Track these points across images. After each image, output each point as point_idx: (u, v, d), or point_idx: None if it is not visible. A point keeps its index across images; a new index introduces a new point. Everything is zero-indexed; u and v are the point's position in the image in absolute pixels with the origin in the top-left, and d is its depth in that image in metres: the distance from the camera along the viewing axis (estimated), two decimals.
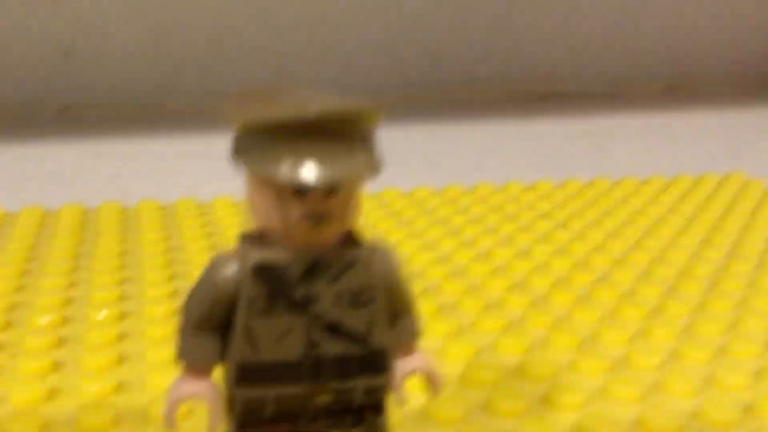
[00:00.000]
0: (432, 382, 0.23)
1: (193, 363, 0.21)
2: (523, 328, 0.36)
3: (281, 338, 0.21)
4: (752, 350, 0.33)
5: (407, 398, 0.23)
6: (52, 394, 0.29)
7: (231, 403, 0.21)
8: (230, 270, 0.21)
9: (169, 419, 0.21)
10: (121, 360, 0.32)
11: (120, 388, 0.30)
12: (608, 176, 0.61)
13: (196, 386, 0.21)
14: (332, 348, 0.21)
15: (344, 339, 0.21)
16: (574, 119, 0.89)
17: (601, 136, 0.81)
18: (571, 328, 0.36)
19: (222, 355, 0.21)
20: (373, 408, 0.22)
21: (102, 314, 0.36)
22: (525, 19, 0.97)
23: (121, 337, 0.34)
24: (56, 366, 0.31)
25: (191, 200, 0.53)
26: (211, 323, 0.21)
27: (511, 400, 0.29)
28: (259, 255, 0.20)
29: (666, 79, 1.06)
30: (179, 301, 0.36)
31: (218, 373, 0.22)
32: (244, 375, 0.21)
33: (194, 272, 0.40)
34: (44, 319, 0.35)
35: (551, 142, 0.78)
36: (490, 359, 0.33)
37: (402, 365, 0.23)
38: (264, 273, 0.20)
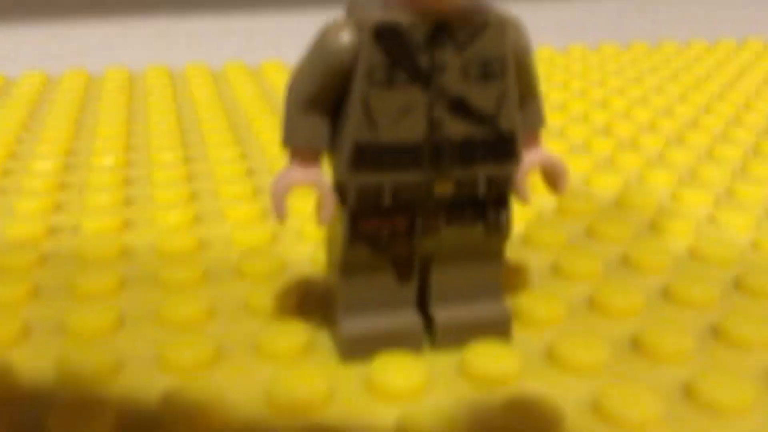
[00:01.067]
0: (559, 177, 0.21)
1: (303, 146, 0.19)
2: (616, 167, 0.34)
3: (401, 115, 0.18)
4: None
5: (529, 195, 0.21)
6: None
7: (343, 192, 0.19)
8: (346, 36, 0.18)
9: (279, 209, 0.19)
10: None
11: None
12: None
13: (305, 173, 0.19)
14: (457, 128, 0.19)
15: (470, 118, 0.19)
16: None
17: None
18: (668, 165, 0.33)
19: (332, 141, 0.19)
20: (496, 202, 0.20)
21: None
22: None
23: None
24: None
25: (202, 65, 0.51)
26: (322, 101, 0.19)
27: (616, 226, 0.27)
28: (380, 16, 0.18)
29: None
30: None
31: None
32: (361, 157, 0.19)
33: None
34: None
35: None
36: (588, 194, 0.31)
37: (526, 157, 0.20)
38: (386, 37, 0.18)
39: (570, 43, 0.57)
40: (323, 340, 0.21)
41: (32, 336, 0.21)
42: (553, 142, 0.36)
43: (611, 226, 0.27)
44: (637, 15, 0.72)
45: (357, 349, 0.20)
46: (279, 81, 0.47)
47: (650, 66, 0.51)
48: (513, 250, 0.26)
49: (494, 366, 0.19)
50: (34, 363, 0.20)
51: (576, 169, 0.33)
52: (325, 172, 0.19)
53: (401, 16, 0.18)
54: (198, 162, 0.34)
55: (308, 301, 0.23)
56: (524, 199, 0.21)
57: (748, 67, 0.51)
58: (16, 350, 0.21)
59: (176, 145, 0.36)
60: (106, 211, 0.29)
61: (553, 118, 0.39)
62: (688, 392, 0.19)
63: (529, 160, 0.20)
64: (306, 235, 0.27)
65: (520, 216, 0.27)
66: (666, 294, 0.23)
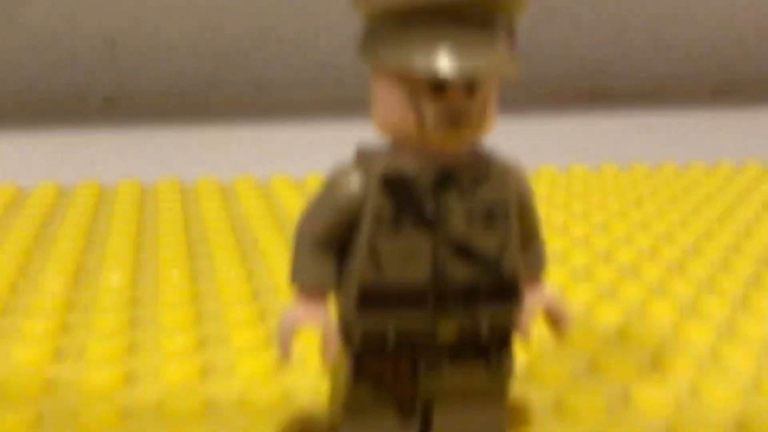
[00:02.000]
0: (560, 319, 0.21)
1: (310, 285, 0.19)
2: (617, 297, 0.34)
3: (407, 258, 0.19)
4: None
5: (532, 336, 0.21)
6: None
7: (348, 332, 0.20)
8: (354, 181, 0.19)
9: (285, 348, 0.19)
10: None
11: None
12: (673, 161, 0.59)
13: (311, 312, 0.19)
14: (461, 272, 0.19)
15: (474, 262, 0.19)
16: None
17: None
18: (670, 295, 0.34)
19: (338, 280, 0.20)
20: (499, 344, 0.20)
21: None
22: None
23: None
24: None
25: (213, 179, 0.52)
26: (330, 242, 0.19)
27: (617, 360, 0.27)
28: (387, 163, 0.19)
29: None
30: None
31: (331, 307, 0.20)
32: (366, 298, 0.19)
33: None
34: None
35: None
36: (589, 324, 0.31)
37: (528, 298, 0.21)
38: (393, 183, 0.18)
39: (571, 162, 0.58)
40: None
41: None
42: (555, 268, 0.36)
43: (614, 361, 0.27)
44: (638, 135, 0.74)
45: None
46: (287, 196, 0.48)
47: (650, 188, 0.52)
48: (515, 386, 0.26)
49: None
50: None
51: (577, 298, 0.33)
52: (330, 311, 0.20)
53: (408, 162, 0.19)
54: (204, 281, 0.35)
55: None
56: (526, 339, 0.21)
57: (747, 190, 0.52)
58: None
59: (185, 264, 0.36)
60: (112, 334, 0.29)
61: (554, 242, 0.40)
62: None
63: (532, 300, 0.21)
64: (309, 363, 0.27)
65: (522, 347, 0.27)
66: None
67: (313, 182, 0.52)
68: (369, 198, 0.19)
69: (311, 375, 0.26)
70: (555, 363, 0.27)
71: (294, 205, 0.46)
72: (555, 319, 0.21)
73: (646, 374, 0.27)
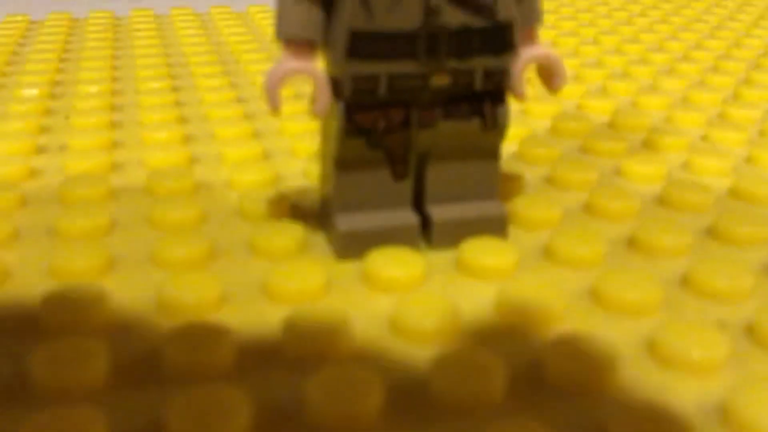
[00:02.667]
0: (556, 72, 0.21)
1: (297, 36, 0.19)
2: (608, 94, 0.33)
3: (396, 2, 0.18)
4: None
5: (525, 91, 0.20)
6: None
7: (339, 84, 0.19)
8: None
9: (273, 99, 0.19)
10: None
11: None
12: None
13: (299, 63, 0.19)
14: (453, 17, 0.18)
15: (468, 7, 0.18)
16: None
17: None
18: (661, 92, 0.33)
19: (326, 32, 0.19)
20: (493, 97, 0.20)
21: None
22: None
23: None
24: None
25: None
26: None
27: (610, 142, 0.27)
28: None
29: None
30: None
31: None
32: (356, 46, 0.18)
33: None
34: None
35: None
36: (579, 114, 0.31)
37: (523, 53, 0.20)
38: None
39: None
40: (318, 240, 0.21)
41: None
42: None
43: (605, 144, 0.27)
44: None
45: (353, 247, 0.20)
46: (265, 23, 0.47)
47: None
48: (507, 165, 0.25)
49: (491, 259, 0.19)
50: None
51: (567, 97, 0.33)
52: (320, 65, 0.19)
53: None
54: (186, 91, 0.34)
55: (301, 208, 0.22)
56: (520, 95, 0.20)
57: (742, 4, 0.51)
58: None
59: (163, 75, 0.35)
60: (93, 134, 0.28)
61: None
62: (685, 282, 0.19)
63: (526, 55, 0.20)
64: (298, 152, 0.26)
65: (512, 134, 0.26)
66: (662, 201, 0.23)
67: None
68: None
69: (300, 161, 0.26)
70: (547, 146, 0.27)
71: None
72: (549, 74, 0.21)
73: (638, 154, 0.27)
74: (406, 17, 0.18)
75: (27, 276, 0.19)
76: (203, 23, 0.47)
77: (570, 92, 0.33)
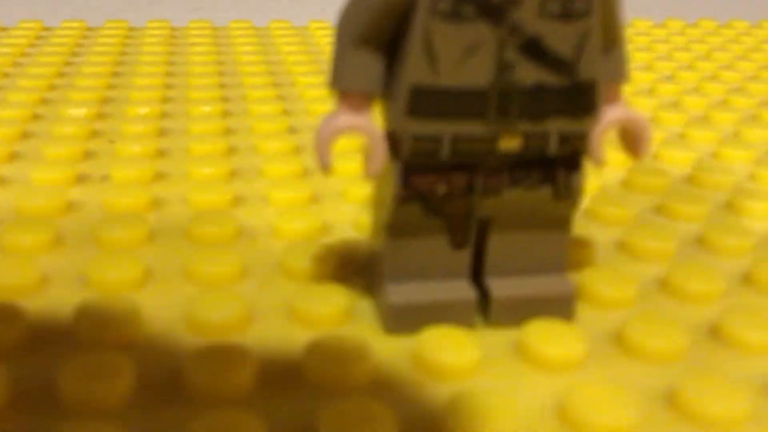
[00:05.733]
0: (641, 139, 0.18)
1: (353, 89, 0.17)
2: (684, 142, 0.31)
3: (467, 55, 0.16)
4: None
5: (606, 159, 0.18)
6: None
7: (396, 142, 0.17)
8: None
9: (324, 156, 0.17)
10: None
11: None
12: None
13: (354, 118, 0.17)
14: (529, 74, 0.16)
15: (546, 63, 0.16)
16: None
17: None
18: (744, 144, 0.31)
19: (386, 84, 0.17)
20: (567, 163, 0.18)
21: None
22: None
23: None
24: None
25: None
26: (377, 38, 0.16)
27: (689, 204, 0.25)
28: None
29: None
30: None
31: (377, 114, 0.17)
32: (418, 102, 0.16)
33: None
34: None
35: None
36: (657, 167, 0.28)
37: (605, 114, 0.18)
38: None
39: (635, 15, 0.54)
40: (365, 308, 0.19)
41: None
42: None
43: (684, 204, 0.25)
44: None
45: (403, 320, 0.18)
46: (325, 42, 0.45)
47: (719, 44, 0.48)
48: (576, 225, 0.23)
49: (556, 347, 0.17)
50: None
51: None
52: (376, 120, 0.17)
53: None
54: (237, 117, 0.32)
55: (349, 267, 0.21)
56: (599, 161, 0.18)
57: None
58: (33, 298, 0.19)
59: (215, 99, 0.34)
60: (137, 164, 0.27)
61: None
62: None
63: (609, 117, 0.18)
64: (349, 197, 0.25)
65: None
66: (748, 279, 0.21)
67: None
68: None
69: (351, 207, 0.24)
70: (620, 205, 0.24)
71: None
72: (634, 139, 0.19)
73: (721, 219, 0.24)
74: (475, 73, 0.16)
75: None
76: (261, 38, 0.46)
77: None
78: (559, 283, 0.19)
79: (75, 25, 0.47)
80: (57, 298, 0.19)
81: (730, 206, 0.25)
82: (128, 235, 0.22)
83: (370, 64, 0.17)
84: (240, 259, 0.20)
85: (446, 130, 0.17)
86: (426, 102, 0.16)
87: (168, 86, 0.36)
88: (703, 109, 0.35)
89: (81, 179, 0.26)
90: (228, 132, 0.30)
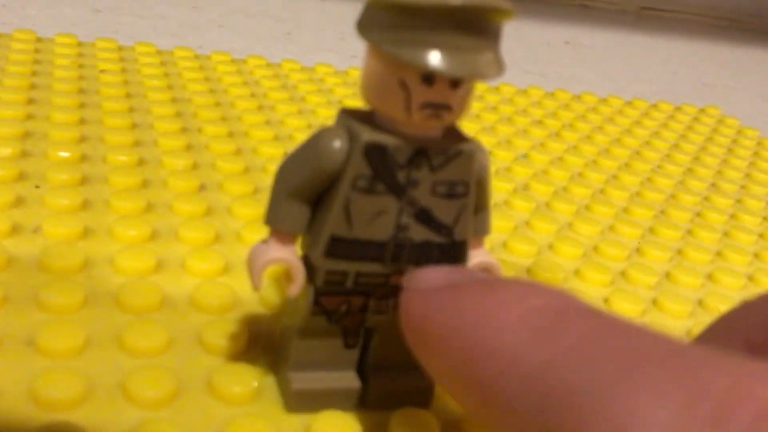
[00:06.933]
0: (493, 273, 0.24)
1: (284, 230, 0.22)
2: (528, 232, 0.38)
3: (375, 218, 0.21)
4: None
5: None
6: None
7: (312, 271, 0.22)
8: (339, 145, 0.21)
9: (257, 281, 0.22)
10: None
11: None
12: (594, 93, 0.62)
13: (282, 251, 0.22)
14: (418, 233, 0.22)
15: (432, 227, 0.22)
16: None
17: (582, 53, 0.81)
18: (573, 238, 0.38)
19: (309, 227, 0.22)
20: None
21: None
22: None
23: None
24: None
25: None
26: (306, 193, 0.22)
27: None
28: (371, 135, 0.21)
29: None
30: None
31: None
32: (334, 248, 0.21)
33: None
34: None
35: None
36: (502, 257, 0.35)
37: (471, 258, 0.24)
38: (373, 154, 0.21)
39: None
40: (271, 385, 0.24)
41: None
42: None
43: None
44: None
45: (302, 402, 0.23)
46: (225, 72, 0.49)
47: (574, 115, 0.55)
48: None
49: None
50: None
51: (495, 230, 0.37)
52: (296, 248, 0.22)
53: (389, 137, 0.21)
54: (151, 167, 0.36)
55: (258, 343, 0.25)
56: None
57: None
58: None
59: (130, 144, 0.37)
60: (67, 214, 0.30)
61: None
62: None
63: (473, 261, 0.24)
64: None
65: None
66: None
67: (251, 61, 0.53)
68: (350, 164, 0.21)
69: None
70: None
71: (232, 82, 0.47)
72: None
73: None
74: (380, 231, 0.22)
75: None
76: (165, 66, 0.49)
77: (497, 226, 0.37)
78: (422, 380, 0.24)
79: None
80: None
81: None
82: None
83: (299, 212, 0.22)
84: (167, 335, 0.25)
85: (352, 268, 0.22)
86: (339, 248, 0.22)
87: (83, 122, 0.39)
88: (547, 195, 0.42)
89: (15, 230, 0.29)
90: (145, 185, 0.34)
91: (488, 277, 0.20)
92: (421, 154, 0.21)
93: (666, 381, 0.12)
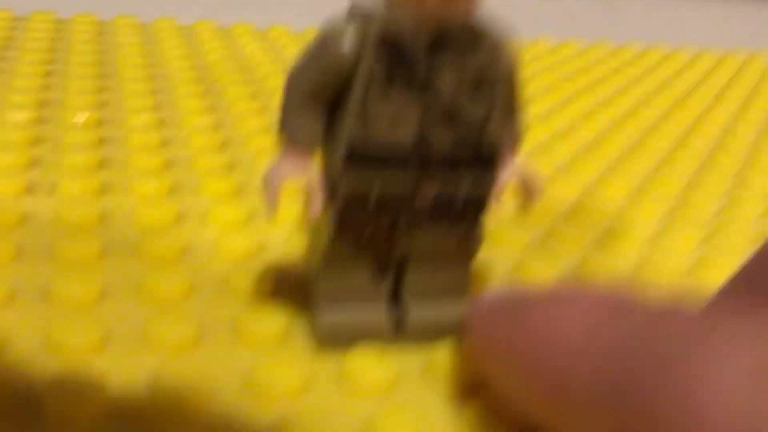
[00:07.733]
0: (531, 191, 0.22)
1: (297, 140, 0.20)
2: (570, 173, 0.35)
3: (395, 119, 0.19)
4: None
5: (504, 201, 0.22)
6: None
7: (333, 189, 0.20)
8: (348, 41, 0.19)
9: (272, 203, 0.20)
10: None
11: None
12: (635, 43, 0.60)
13: (298, 166, 0.20)
14: (445, 137, 0.20)
15: (459, 127, 0.20)
16: None
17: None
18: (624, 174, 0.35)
19: (325, 138, 0.20)
20: (473, 211, 0.21)
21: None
22: None
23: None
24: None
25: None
26: (319, 98, 0.20)
27: (576, 229, 0.29)
28: (383, 25, 0.19)
29: None
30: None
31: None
32: (353, 156, 0.19)
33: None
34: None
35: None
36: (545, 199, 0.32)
37: (504, 169, 0.21)
38: (388, 44, 0.19)
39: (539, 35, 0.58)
40: (301, 325, 0.22)
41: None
42: None
43: (570, 232, 0.29)
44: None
45: (333, 339, 0.21)
46: (250, 44, 0.48)
47: (613, 68, 0.53)
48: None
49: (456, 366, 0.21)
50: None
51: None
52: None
53: (404, 23, 0.19)
54: (173, 128, 0.34)
55: (285, 286, 0.24)
56: (498, 204, 0.22)
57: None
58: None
59: (149, 107, 0.36)
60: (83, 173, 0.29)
61: None
62: None
63: (508, 171, 0.22)
64: (281, 217, 0.28)
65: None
66: None
67: (276, 32, 0.51)
68: (363, 59, 0.19)
69: (283, 227, 0.27)
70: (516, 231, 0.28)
71: (259, 54, 0.46)
72: (526, 191, 0.22)
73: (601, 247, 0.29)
74: (402, 134, 0.19)
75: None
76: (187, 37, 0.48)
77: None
78: (463, 309, 0.22)
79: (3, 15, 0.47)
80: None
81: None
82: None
83: (313, 120, 0.20)
84: (189, 281, 0.23)
85: (376, 178, 0.20)
86: (359, 155, 0.19)
87: (101, 89, 0.38)
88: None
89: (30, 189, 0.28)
90: (164, 143, 0.33)
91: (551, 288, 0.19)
92: (441, 40, 0.19)
93: (730, 351, 0.13)
